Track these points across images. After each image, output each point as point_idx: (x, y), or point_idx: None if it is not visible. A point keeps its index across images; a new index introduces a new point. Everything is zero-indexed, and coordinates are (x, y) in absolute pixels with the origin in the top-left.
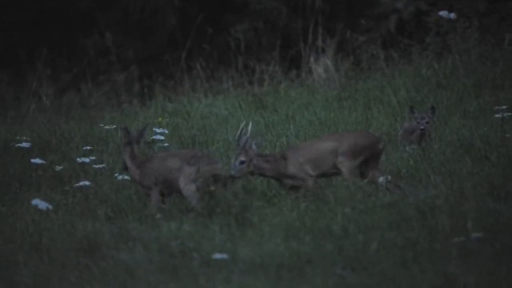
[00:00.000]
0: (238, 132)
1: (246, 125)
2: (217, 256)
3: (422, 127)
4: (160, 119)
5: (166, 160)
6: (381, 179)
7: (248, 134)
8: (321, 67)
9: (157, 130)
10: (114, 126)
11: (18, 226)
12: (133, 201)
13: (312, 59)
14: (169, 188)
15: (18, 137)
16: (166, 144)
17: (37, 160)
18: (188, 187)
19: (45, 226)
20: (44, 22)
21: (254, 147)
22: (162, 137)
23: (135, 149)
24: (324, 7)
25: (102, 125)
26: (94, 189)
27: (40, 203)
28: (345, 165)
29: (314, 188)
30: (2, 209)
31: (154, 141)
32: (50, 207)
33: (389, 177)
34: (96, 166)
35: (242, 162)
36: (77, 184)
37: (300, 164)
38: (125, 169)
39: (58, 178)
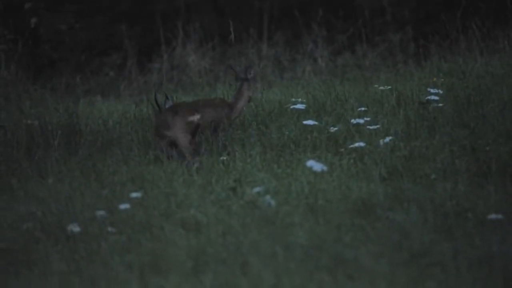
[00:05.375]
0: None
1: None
2: (493, 216)
3: None
4: (434, 79)
5: None
6: None
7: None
8: None
9: (432, 91)
10: (389, 87)
11: (293, 187)
12: (408, 162)
13: None
14: None
15: (293, 99)
16: (441, 105)
17: (310, 122)
18: None
19: (320, 187)
20: None
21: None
22: (436, 98)
23: None
24: None
25: (376, 86)
26: (368, 150)
27: (315, 165)
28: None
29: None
30: (277, 171)
31: (428, 101)
32: (325, 168)
33: None
34: (371, 127)
35: None
36: (352, 145)
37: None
38: None
39: (333, 139)
